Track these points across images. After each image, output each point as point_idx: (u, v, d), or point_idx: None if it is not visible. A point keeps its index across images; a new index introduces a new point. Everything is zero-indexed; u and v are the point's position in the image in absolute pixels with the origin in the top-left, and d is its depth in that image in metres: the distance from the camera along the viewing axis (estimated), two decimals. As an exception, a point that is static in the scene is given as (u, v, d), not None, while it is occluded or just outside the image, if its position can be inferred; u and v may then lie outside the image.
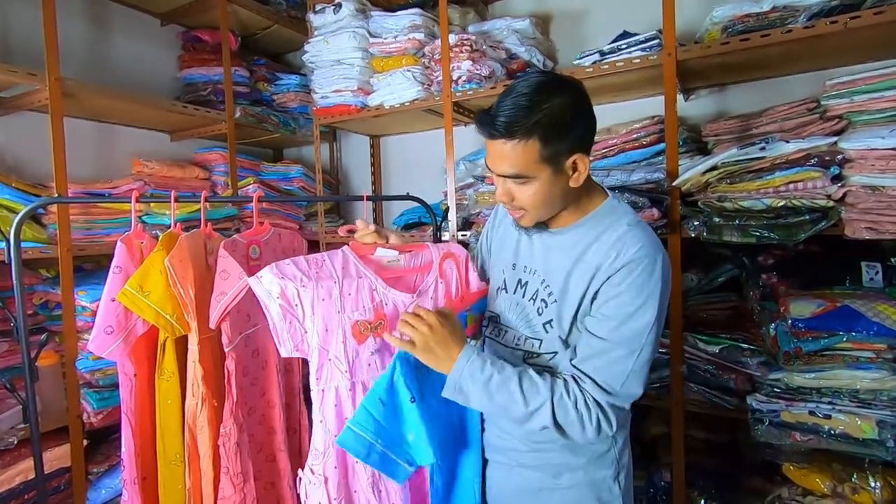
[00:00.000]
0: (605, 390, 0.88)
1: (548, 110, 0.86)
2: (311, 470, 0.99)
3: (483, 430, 1.09)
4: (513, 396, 0.89)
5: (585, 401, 0.88)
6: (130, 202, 1.25)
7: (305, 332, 0.97)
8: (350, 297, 1.01)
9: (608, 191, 1.02)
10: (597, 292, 0.92)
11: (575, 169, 0.91)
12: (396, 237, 1.15)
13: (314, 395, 1.00)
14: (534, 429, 0.91)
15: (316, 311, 0.97)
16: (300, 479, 1.01)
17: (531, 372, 0.91)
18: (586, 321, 0.93)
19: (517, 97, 0.87)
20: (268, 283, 0.94)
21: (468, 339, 0.96)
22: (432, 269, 1.12)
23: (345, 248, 1.07)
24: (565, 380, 0.90)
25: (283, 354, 0.98)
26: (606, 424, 0.89)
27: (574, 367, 0.92)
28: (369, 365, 1.02)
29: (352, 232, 1.17)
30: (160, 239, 1.17)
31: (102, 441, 1.80)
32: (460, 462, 1.08)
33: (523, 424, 0.92)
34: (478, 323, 1.10)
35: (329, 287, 0.99)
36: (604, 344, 0.90)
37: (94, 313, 1.52)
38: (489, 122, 0.89)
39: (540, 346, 0.99)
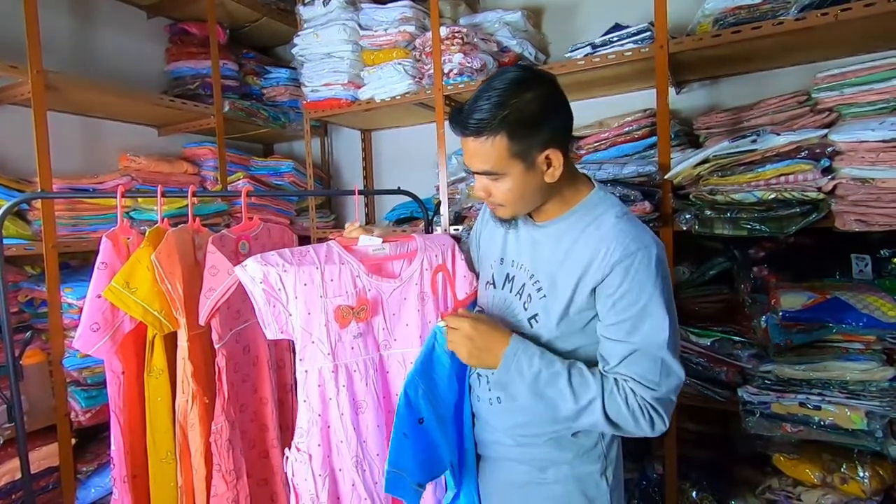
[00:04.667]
0: (648, 387, 0.87)
1: (514, 106, 0.87)
2: (297, 448, 1.03)
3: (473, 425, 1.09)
4: (562, 393, 0.89)
5: (637, 401, 0.87)
6: (116, 197, 1.23)
7: (290, 315, 1.01)
8: (332, 283, 1.04)
9: (595, 181, 1.02)
10: (593, 290, 0.91)
11: (549, 164, 0.91)
12: (382, 231, 1.16)
13: (299, 376, 1.03)
14: (582, 427, 0.91)
15: (298, 295, 1.00)
16: (287, 457, 1.04)
17: (581, 365, 0.91)
18: (602, 330, 0.92)
19: (490, 93, 0.88)
20: (251, 270, 0.99)
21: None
22: (417, 256, 1.12)
23: (330, 241, 1.10)
24: (615, 378, 0.89)
25: (269, 336, 1.01)
26: (660, 420, 0.88)
27: (611, 373, 0.91)
28: (352, 348, 1.05)
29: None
30: (147, 234, 1.15)
31: (92, 439, 1.78)
32: (464, 468, 1.09)
33: (572, 423, 0.92)
34: None
35: (311, 272, 1.02)
36: (628, 346, 0.89)
37: (80, 310, 1.50)
38: (459, 120, 0.90)
39: None
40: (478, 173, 0.94)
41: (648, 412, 0.87)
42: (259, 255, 1.01)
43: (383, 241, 1.11)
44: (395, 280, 1.10)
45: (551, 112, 0.90)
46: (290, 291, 1.00)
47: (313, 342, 1.02)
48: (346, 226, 1.18)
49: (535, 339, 0.97)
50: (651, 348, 0.88)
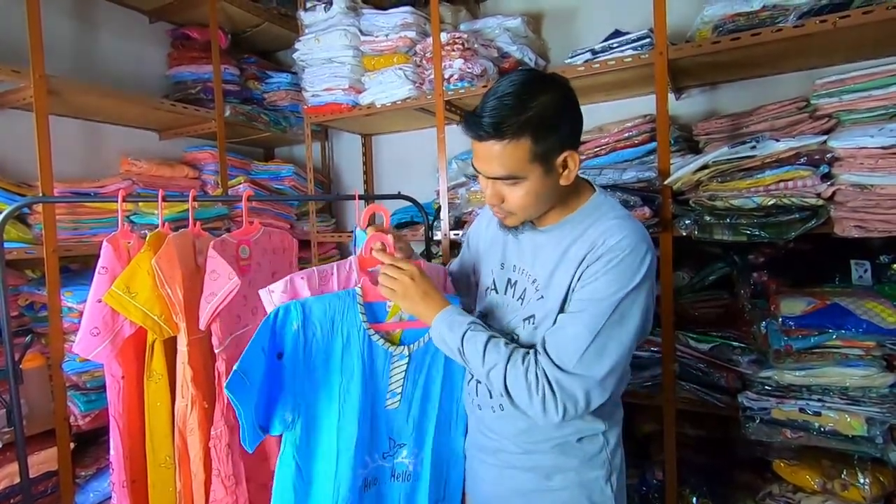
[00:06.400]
0: (556, 365, 0.86)
1: (536, 108, 0.86)
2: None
3: (467, 432, 1.12)
4: (476, 353, 0.91)
5: (536, 372, 0.87)
6: (117, 201, 1.23)
7: None
8: None
9: (596, 186, 1.02)
10: (580, 279, 0.92)
11: (565, 166, 0.91)
12: (400, 244, 1.09)
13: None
14: (496, 391, 0.92)
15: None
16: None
17: (502, 338, 0.93)
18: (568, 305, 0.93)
19: (502, 97, 0.86)
20: (278, 303, 0.98)
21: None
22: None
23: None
24: (527, 350, 0.91)
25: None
26: (553, 405, 0.86)
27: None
28: None
29: (371, 224, 1.13)
30: (147, 239, 1.15)
31: (91, 444, 1.78)
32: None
33: (491, 386, 0.94)
34: None
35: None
36: (565, 319, 0.90)
37: (80, 314, 1.50)
38: (476, 123, 0.87)
39: (517, 341, 0.98)
40: (494, 178, 0.91)
41: (544, 389, 0.86)
42: (289, 282, 0.98)
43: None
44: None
45: (568, 113, 0.90)
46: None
47: None
48: (369, 231, 1.08)
49: (530, 340, 0.96)
50: (584, 329, 0.86)
